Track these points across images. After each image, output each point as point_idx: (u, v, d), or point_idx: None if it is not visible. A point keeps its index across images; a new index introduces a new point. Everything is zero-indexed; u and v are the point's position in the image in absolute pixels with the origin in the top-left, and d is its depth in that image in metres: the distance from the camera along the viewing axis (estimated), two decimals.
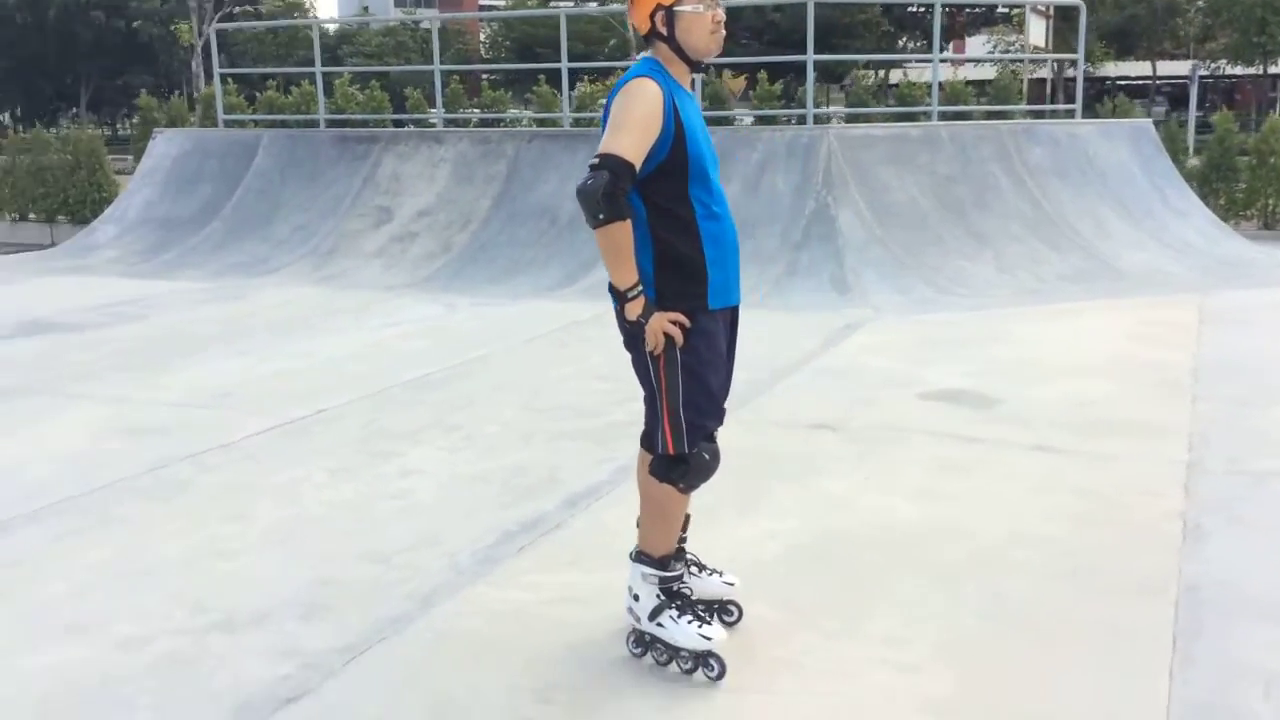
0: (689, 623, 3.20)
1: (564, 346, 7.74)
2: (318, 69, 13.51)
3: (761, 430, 5.52)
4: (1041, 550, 4.03)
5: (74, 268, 11.85)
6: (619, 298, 3.07)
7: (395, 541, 4.16)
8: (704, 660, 3.20)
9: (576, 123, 13.72)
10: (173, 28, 35.59)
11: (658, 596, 3.24)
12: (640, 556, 3.26)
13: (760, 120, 14.74)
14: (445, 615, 3.59)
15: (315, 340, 7.95)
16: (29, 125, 28.66)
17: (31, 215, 15.72)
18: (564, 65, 12.78)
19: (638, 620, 3.28)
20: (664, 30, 3.15)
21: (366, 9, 64.91)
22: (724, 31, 3.20)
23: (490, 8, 68.73)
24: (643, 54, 3.29)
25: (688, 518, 3.47)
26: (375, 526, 4.34)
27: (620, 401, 5.89)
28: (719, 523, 4.16)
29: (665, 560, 3.25)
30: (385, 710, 3.02)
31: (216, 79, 14.52)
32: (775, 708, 3.05)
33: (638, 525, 3.33)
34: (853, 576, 3.86)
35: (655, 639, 3.25)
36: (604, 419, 5.76)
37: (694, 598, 3.45)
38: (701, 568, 3.51)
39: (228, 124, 14.45)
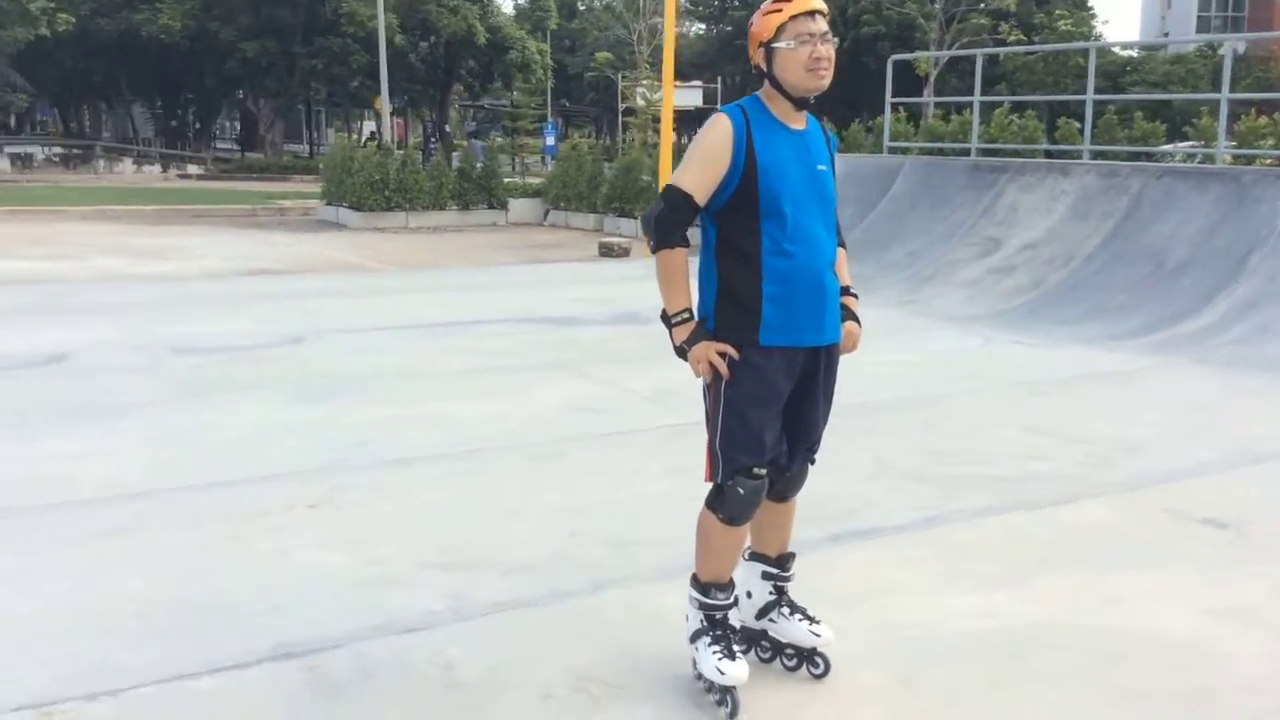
0: (714, 654, 3.21)
1: (1033, 396, 7.26)
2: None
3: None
4: None
5: None
6: (666, 322, 3.19)
7: None
8: (724, 694, 3.19)
9: (1235, 159, 12.26)
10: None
11: (701, 621, 3.28)
12: (692, 579, 3.33)
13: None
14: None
15: None
16: None
17: None
18: (1224, 95, 11.55)
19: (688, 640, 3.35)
20: (764, 66, 3.18)
21: (1167, 34, 61.69)
22: (826, 69, 3.13)
23: None
24: None
25: (791, 555, 3.45)
26: None
27: (1028, 457, 5.54)
28: None
29: (708, 587, 3.27)
30: None
31: (887, 107, 15.30)
32: None
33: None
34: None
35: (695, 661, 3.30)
36: (996, 469, 5.49)
37: (780, 640, 3.43)
38: (794, 610, 3.44)
39: (891, 150, 15.17)
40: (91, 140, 45.50)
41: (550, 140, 43.14)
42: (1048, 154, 14.57)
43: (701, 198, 3.14)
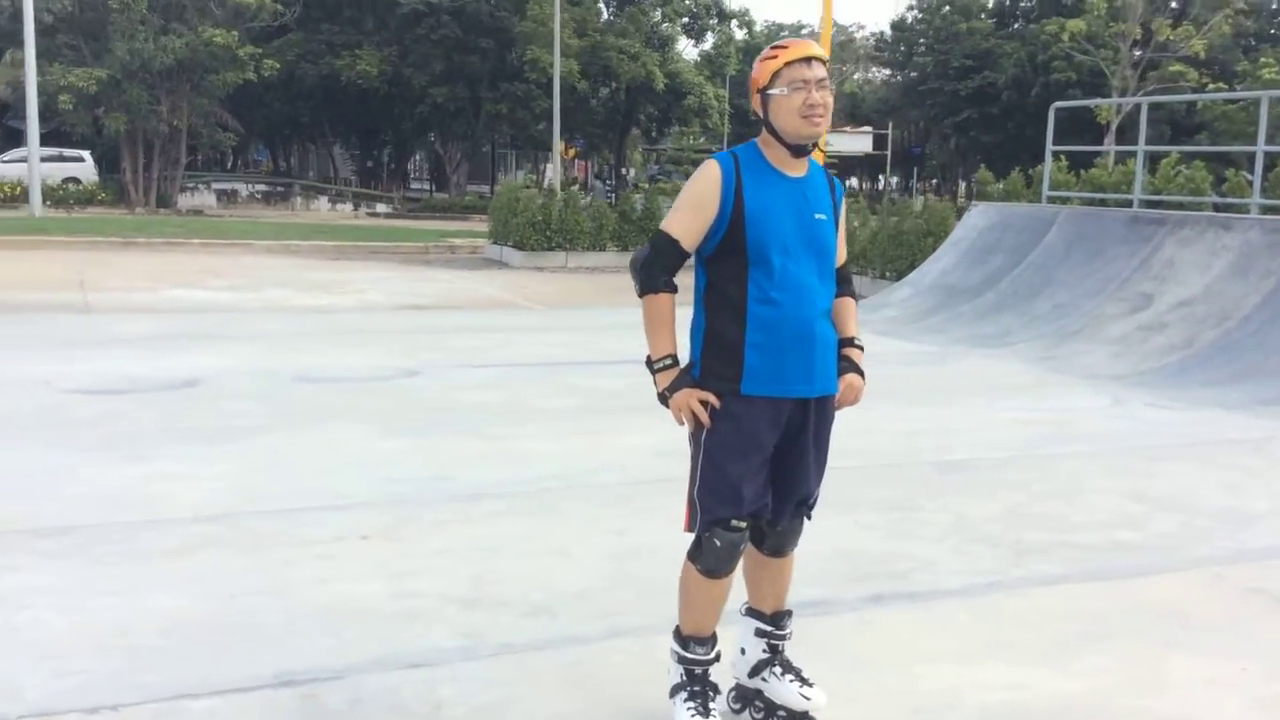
0: (688, 709, 3.14)
1: (1149, 461, 6.84)
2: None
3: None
4: None
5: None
6: (650, 367, 3.16)
7: None
8: None
9: None
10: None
11: (680, 675, 3.22)
12: (674, 632, 3.26)
13: None
14: None
15: (931, 409, 8.10)
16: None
17: (886, 274, 17.52)
18: None
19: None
20: (761, 112, 3.14)
21: None
22: (822, 116, 3.06)
23: None
24: None
25: (787, 613, 3.36)
26: None
27: (1117, 526, 5.25)
28: None
29: (688, 641, 3.20)
30: None
31: (1048, 155, 14.81)
32: None
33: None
34: None
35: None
36: (1079, 537, 5.22)
37: (773, 700, 3.33)
38: (787, 670, 3.33)
39: (1050, 200, 14.65)
40: (292, 179, 48.14)
41: None
42: (1215, 207, 13.78)
43: (689, 243, 3.11)
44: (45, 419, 7.01)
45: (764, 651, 3.36)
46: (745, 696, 3.41)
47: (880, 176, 60.52)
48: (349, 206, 41.58)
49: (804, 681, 3.31)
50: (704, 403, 3.08)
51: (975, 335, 11.87)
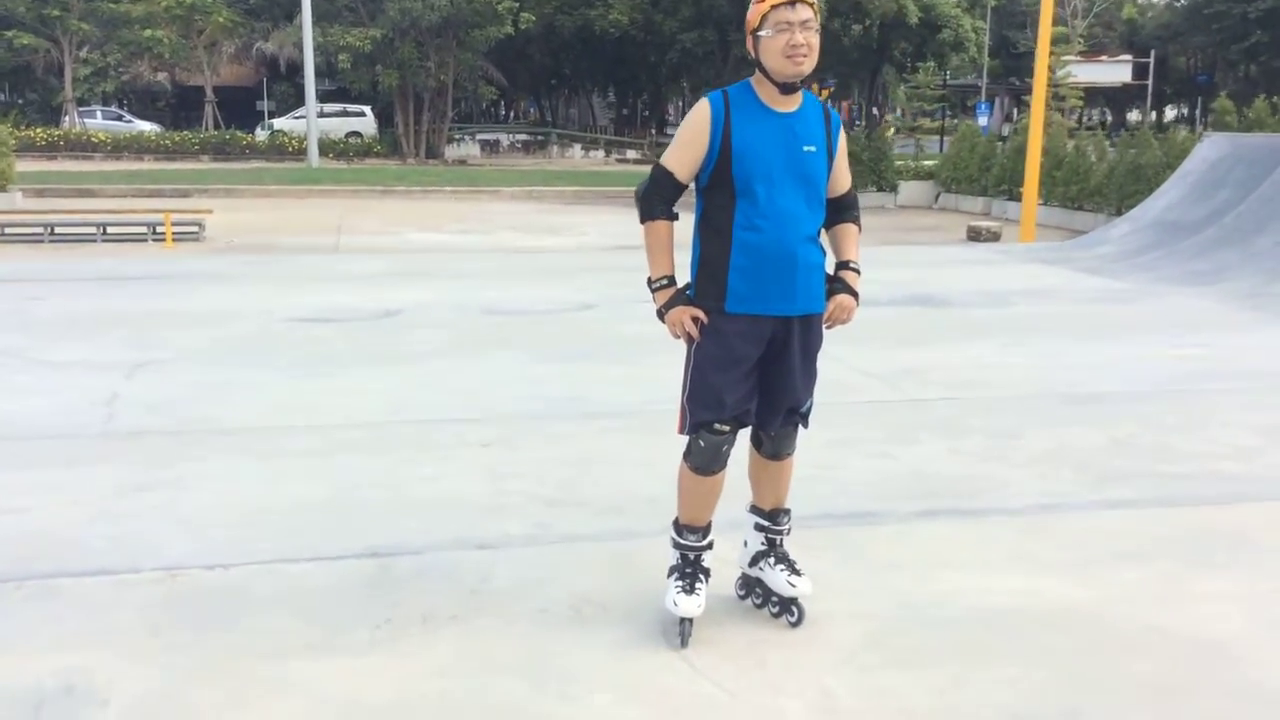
0: (675, 587, 3.55)
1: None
2: None
3: None
4: None
5: (1060, 259, 12.86)
6: (649, 286, 3.55)
7: None
8: (680, 624, 3.53)
9: None
10: None
11: (675, 559, 3.62)
12: (673, 522, 3.66)
13: None
14: None
15: (1088, 345, 8.00)
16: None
17: (1121, 210, 16.78)
18: None
19: None
20: (752, 52, 3.45)
21: None
22: (805, 56, 3.32)
23: None
24: None
25: (784, 510, 3.70)
26: None
27: (1225, 457, 5.21)
28: None
29: (682, 529, 3.60)
30: None
31: None
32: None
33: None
34: None
35: None
36: (1176, 466, 5.23)
37: (769, 588, 3.69)
38: (780, 561, 3.68)
39: None
40: (548, 128, 50.02)
41: (984, 120, 41.93)
42: None
43: (683, 175, 3.46)
44: (259, 343, 8.04)
45: (762, 544, 3.71)
46: (748, 584, 3.79)
47: (1134, 108, 56.40)
48: (601, 153, 42.93)
49: (794, 571, 3.65)
50: (695, 319, 3.45)
51: (1187, 273, 11.38)
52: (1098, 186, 17.87)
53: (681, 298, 3.49)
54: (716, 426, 3.47)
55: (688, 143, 3.44)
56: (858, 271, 3.64)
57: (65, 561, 4.06)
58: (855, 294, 3.60)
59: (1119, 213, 16.55)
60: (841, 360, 7.54)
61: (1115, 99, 60.16)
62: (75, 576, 3.93)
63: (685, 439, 3.56)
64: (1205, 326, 8.65)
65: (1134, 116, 58.15)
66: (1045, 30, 15.31)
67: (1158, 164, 16.25)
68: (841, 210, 3.66)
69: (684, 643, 3.49)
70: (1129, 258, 12.51)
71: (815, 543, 4.24)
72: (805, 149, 3.44)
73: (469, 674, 3.32)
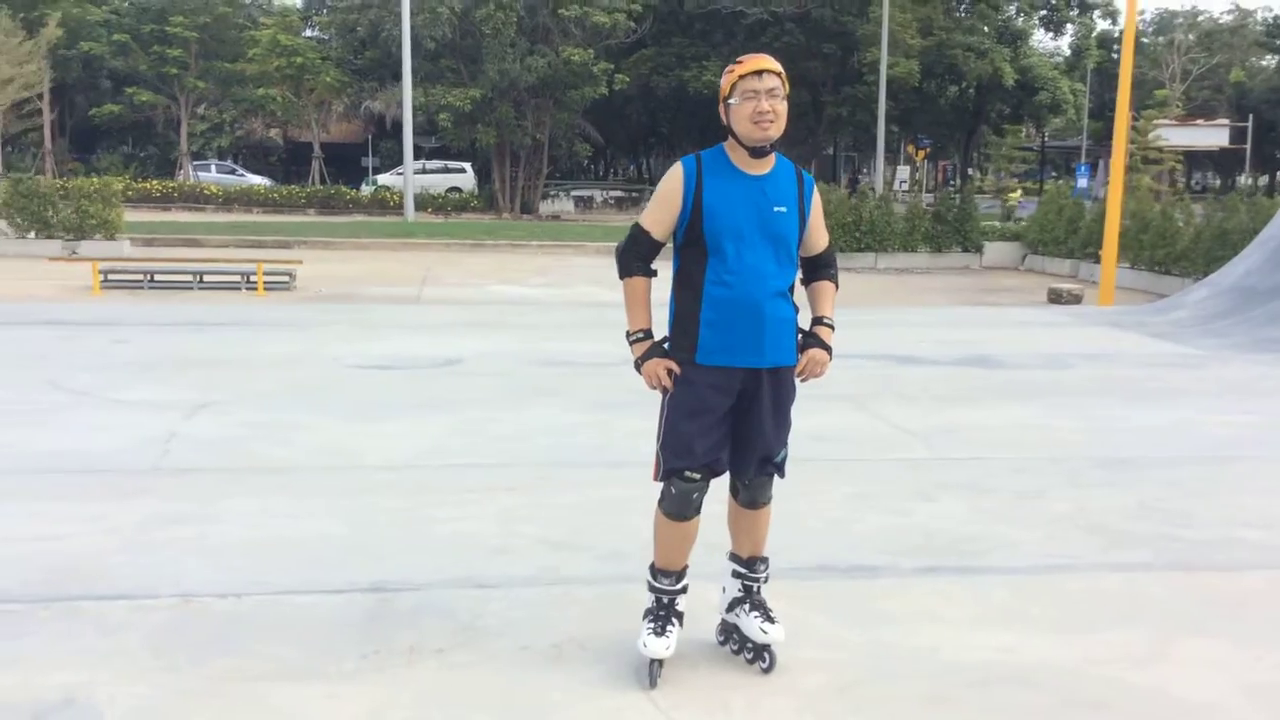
0: (647, 629, 3.67)
1: None
2: None
3: None
4: None
5: (1134, 323, 12.68)
6: (628, 339, 3.71)
7: None
8: (650, 665, 3.64)
9: None
10: None
11: (651, 601, 3.74)
12: (650, 565, 3.79)
13: None
14: None
15: (1134, 410, 7.91)
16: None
17: (1209, 275, 16.48)
18: None
19: None
20: (725, 119, 3.62)
21: None
22: (770, 122, 3.48)
23: None
24: None
25: (760, 559, 3.80)
26: None
27: (1245, 524, 5.16)
28: None
29: (656, 572, 3.72)
30: None
31: None
32: None
33: None
34: None
35: None
36: (1194, 532, 5.19)
37: (742, 633, 3.79)
38: (755, 608, 3.77)
39: None
40: (643, 185, 50.72)
41: (1083, 182, 41.41)
42: None
43: (659, 234, 3.63)
44: (319, 388, 8.37)
45: (739, 591, 3.82)
46: (726, 629, 3.88)
47: (1240, 172, 55.03)
48: None
49: (768, 619, 3.74)
50: (669, 371, 3.60)
51: (1258, 340, 11.16)
52: (1184, 251, 17.57)
53: (658, 350, 3.65)
54: (687, 474, 3.60)
55: (663, 202, 3.61)
56: (831, 327, 3.76)
57: (91, 585, 4.33)
58: (829, 348, 3.72)
59: (1205, 277, 16.24)
60: (882, 417, 7.61)
61: (1222, 163, 58.90)
62: (96, 600, 4.19)
63: (660, 486, 3.70)
64: (1262, 394, 8.48)
65: (1244, 180, 56.85)
66: (1124, 93, 15.21)
67: (1244, 229, 15.94)
68: (818, 268, 3.81)
69: (653, 683, 3.60)
70: (1202, 323, 12.30)
71: (807, 594, 4.33)
72: (776, 209, 3.58)
73: (442, 705, 3.48)
